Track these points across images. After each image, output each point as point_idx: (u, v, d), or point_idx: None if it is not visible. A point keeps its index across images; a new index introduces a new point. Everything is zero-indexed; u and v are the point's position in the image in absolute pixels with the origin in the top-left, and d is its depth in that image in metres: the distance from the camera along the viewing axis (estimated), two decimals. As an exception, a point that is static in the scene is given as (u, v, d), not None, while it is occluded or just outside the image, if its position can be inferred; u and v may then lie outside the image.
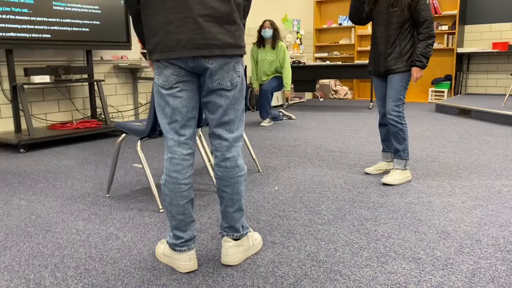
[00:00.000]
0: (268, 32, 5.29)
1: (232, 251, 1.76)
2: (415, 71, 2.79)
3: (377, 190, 2.73)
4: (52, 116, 4.78)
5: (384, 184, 2.84)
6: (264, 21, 5.32)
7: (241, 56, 1.67)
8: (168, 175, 1.69)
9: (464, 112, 5.88)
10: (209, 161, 2.85)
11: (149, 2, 1.58)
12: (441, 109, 6.43)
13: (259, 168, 3.26)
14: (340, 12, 8.85)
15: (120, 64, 5.33)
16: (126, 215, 2.35)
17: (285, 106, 7.60)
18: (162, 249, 1.81)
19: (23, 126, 4.49)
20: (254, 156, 3.26)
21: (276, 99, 7.67)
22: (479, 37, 7.69)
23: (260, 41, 5.43)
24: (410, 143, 4.16)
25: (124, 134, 2.63)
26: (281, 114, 6.02)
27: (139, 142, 2.50)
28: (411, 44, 2.82)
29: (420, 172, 3.14)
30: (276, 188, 2.80)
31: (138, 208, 2.47)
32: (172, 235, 1.73)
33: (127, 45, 5.02)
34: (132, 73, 5.50)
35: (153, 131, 2.45)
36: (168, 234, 1.76)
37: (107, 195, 2.72)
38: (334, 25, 8.89)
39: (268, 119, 5.52)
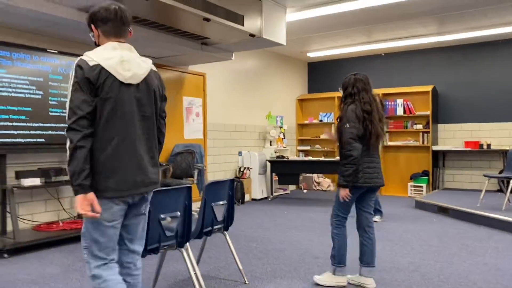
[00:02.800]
0: None
1: None
2: (340, 190, 3.09)
3: (362, 306, 2.78)
4: (38, 217, 4.78)
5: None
6: None
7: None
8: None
9: (443, 210, 6.08)
10: (195, 271, 2.88)
11: (104, 147, 1.90)
12: (420, 205, 6.63)
13: (246, 280, 3.29)
14: (320, 109, 9.37)
15: (109, 163, 5.46)
16: None
17: (269, 199, 7.72)
18: None
19: (9, 227, 4.46)
20: (241, 267, 3.31)
21: (261, 192, 7.81)
22: (452, 136, 8.18)
23: None
24: (392, 248, 4.26)
25: (115, 252, 2.67)
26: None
27: (129, 262, 2.54)
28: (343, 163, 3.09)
29: (403, 284, 3.21)
30: (263, 305, 2.82)
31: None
32: None
33: (118, 146, 5.19)
34: (120, 172, 5.61)
35: (143, 251, 2.51)
36: None
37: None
38: (315, 121, 9.36)
39: (379, 216, 5.66)
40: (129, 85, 1.94)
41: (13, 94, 4.30)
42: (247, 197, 7.50)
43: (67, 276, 3.45)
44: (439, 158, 8.24)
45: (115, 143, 1.90)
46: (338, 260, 3.17)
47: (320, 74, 9.74)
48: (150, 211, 2.45)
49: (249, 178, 7.65)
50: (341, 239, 3.19)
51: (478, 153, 7.85)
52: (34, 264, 3.80)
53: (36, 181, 4.42)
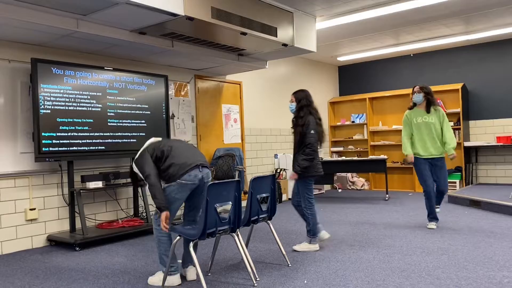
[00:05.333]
0: (417, 97, 5.00)
1: None
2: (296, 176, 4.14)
3: (393, 280, 3.14)
4: (100, 216, 5.38)
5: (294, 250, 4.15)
6: (414, 86, 5.06)
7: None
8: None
9: (475, 203, 6.30)
10: (245, 254, 3.31)
11: (173, 155, 3.26)
12: (453, 200, 6.85)
13: (288, 263, 3.71)
14: (352, 111, 9.69)
15: (159, 167, 6.02)
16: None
17: (306, 199, 8.09)
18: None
19: (77, 225, 5.06)
20: (284, 252, 3.74)
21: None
22: (484, 131, 8.32)
23: (414, 106, 5.11)
24: (423, 236, 4.58)
25: (178, 237, 3.16)
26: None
27: (191, 244, 3.02)
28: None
29: (431, 264, 3.55)
30: (305, 281, 3.24)
31: (190, 301, 2.93)
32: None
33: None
34: (169, 175, 6.16)
35: (203, 235, 2.99)
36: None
37: (161, 290, 3.20)
38: (347, 123, 9.68)
39: (435, 222, 5.06)
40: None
41: (77, 108, 4.92)
42: (284, 197, 7.91)
43: (133, 264, 3.98)
44: (472, 154, 8.40)
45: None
46: (313, 232, 4.17)
47: (350, 77, 10.07)
48: (208, 200, 2.95)
49: (285, 179, 8.07)
50: (314, 217, 4.18)
51: (511, 148, 7.96)
52: (103, 255, 4.36)
53: (99, 184, 5.00)
